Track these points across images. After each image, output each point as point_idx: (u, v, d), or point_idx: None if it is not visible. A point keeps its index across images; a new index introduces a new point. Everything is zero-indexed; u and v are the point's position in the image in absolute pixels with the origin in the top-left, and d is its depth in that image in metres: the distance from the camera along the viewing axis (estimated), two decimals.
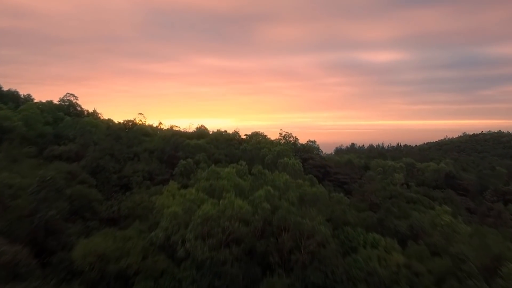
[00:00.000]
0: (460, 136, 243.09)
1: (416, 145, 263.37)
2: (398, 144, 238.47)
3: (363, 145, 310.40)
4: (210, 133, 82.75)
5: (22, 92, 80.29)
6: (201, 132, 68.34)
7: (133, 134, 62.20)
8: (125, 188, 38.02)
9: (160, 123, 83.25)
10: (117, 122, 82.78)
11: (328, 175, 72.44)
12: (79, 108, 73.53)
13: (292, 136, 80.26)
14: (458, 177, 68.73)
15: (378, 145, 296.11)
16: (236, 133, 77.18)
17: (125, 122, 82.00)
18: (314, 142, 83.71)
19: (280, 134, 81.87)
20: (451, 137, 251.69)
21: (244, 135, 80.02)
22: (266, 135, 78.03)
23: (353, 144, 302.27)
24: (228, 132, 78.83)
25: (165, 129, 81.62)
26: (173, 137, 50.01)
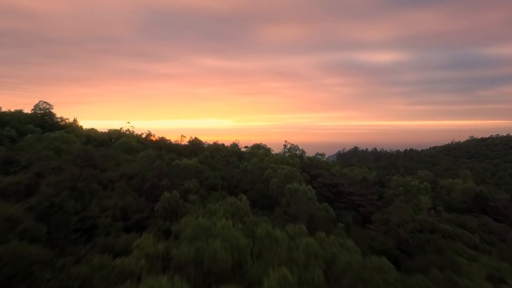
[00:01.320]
0: (468, 140, 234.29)
1: (421, 150, 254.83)
2: (406, 150, 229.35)
3: (367, 149, 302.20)
4: (206, 143, 73.90)
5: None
6: (195, 146, 59.20)
7: (113, 150, 52.96)
8: (89, 235, 28.82)
9: (150, 133, 74.16)
10: (102, 131, 73.84)
11: (341, 195, 63.38)
12: (56, 119, 64.34)
13: (298, 148, 71.29)
14: (491, 198, 59.58)
15: (382, 149, 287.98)
16: (235, 146, 68.06)
17: (110, 132, 72.98)
18: (323, 155, 74.62)
19: (285, 146, 72.99)
20: (458, 140, 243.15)
21: (244, 147, 71.06)
22: (269, 148, 69.16)
23: (356, 148, 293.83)
24: (225, 145, 69.81)
25: (155, 140, 72.43)
26: (158, 159, 40.71)
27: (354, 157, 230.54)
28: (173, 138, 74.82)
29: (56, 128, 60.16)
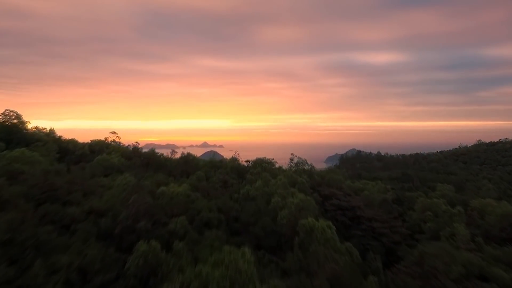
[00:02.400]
0: (476, 144, 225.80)
1: (427, 153, 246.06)
2: (411, 154, 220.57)
3: (370, 152, 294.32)
4: (200, 154, 64.81)
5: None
6: (187, 163, 50.23)
7: (90, 170, 44.16)
8: None
9: (137, 143, 65.26)
10: (83, 142, 65.00)
11: (358, 220, 54.63)
12: (26, 130, 55.33)
13: (306, 162, 62.52)
14: None
15: (387, 153, 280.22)
16: (234, 160, 59.15)
17: (92, 144, 64.16)
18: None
19: (291, 160, 64.23)
20: (465, 145, 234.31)
21: (246, 161, 62.22)
22: (274, 161, 60.44)
23: (359, 152, 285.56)
24: (225, 158, 60.93)
25: (142, 154, 63.51)
26: (137, 190, 31.75)
27: (357, 162, 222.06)
28: (167, 147, 65.94)
29: (26, 142, 51.28)
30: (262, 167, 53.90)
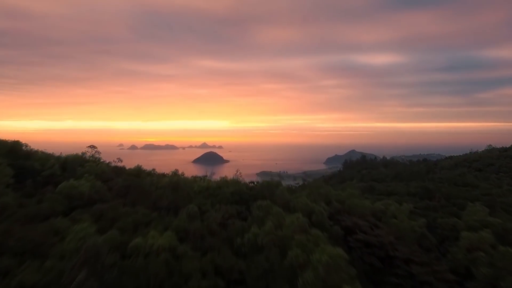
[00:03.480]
0: (487, 149, 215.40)
1: (437, 159, 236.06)
2: (420, 160, 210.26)
3: (375, 157, 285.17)
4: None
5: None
6: (176, 191, 39.15)
7: (45, 207, 33.68)
8: None
9: (119, 160, 54.82)
10: (56, 156, 54.69)
11: (391, 262, 44.13)
12: None
13: (322, 186, 52.09)
14: None
15: (393, 158, 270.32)
16: (236, 183, 48.59)
17: (68, 160, 53.70)
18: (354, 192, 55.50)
19: (304, 179, 53.63)
20: (475, 150, 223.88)
21: (251, 183, 51.73)
22: (283, 179, 50.02)
23: (364, 157, 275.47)
24: (225, 177, 50.44)
25: (128, 172, 53.00)
26: (91, 256, 21.41)
27: (363, 168, 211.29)
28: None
29: None
30: (271, 193, 43.55)
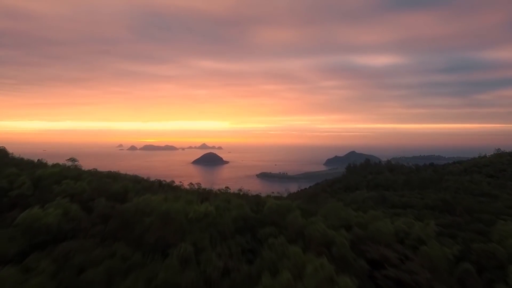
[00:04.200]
0: (497, 154, 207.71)
1: (444, 164, 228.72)
2: (426, 165, 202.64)
3: (380, 160, 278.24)
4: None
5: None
6: (166, 226, 31.36)
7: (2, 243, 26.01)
8: None
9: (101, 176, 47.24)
10: (31, 172, 47.25)
11: None
12: None
13: (341, 209, 44.55)
14: None
15: (394, 159, 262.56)
16: (240, 206, 41.03)
17: (41, 175, 46.34)
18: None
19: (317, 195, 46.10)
20: (484, 154, 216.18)
21: (256, 205, 44.15)
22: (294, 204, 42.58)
23: (367, 160, 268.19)
24: (227, 201, 42.87)
25: (112, 194, 45.50)
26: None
27: (368, 173, 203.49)
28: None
29: None
30: (281, 218, 36.09)
